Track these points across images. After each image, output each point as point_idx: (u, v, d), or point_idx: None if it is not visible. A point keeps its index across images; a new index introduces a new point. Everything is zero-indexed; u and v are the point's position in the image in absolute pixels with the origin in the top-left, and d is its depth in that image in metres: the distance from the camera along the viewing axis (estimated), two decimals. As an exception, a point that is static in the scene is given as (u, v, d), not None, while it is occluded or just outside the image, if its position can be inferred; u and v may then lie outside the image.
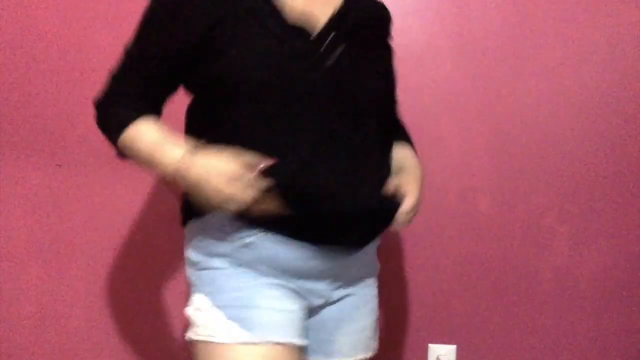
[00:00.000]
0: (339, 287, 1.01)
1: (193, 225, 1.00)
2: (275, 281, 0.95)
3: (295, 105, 0.92)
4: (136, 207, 1.48)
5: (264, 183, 0.87)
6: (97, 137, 1.03)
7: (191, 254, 1.00)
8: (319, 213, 0.92)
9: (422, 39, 1.48)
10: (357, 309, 1.04)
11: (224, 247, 0.95)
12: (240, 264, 0.95)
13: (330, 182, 0.92)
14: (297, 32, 0.94)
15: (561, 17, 1.47)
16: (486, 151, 1.48)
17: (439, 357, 1.48)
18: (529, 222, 1.48)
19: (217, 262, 0.96)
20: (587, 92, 1.48)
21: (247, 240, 0.93)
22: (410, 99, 1.48)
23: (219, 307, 0.93)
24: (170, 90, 1.02)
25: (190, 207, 0.98)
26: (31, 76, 1.47)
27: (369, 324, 1.07)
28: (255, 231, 0.93)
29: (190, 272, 1.02)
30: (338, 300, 1.02)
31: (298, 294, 0.96)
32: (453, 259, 1.48)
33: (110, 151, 1.00)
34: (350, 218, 0.94)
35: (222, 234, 0.95)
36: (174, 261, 1.46)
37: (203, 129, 0.96)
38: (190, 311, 0.96)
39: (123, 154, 1.00)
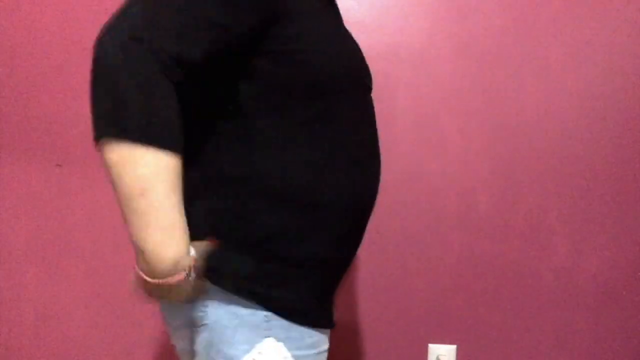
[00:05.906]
0: None
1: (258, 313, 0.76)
2: None
3: (362, 97, 0.86)
4: (136, 207, 1.48)
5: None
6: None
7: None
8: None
9: (422, 39, 1.48)
10: None
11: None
12: None
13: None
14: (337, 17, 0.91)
15: (561, 17, 1.47)
16: (486, 151, 1.48)
17: (439, 357, 1.48)
18: (529, 222, 1.48)
19: None
20: (587, 92, 1.48)
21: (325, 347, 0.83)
22: (410, 99, 1.48)
23: None
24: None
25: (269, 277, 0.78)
26: (31, 76, 1.47)
27: None
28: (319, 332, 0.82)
29: None
30: None
31: None
32: (453, 259, 1.48)
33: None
34: None
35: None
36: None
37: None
38: None
39: (107, 136, 0.65)
